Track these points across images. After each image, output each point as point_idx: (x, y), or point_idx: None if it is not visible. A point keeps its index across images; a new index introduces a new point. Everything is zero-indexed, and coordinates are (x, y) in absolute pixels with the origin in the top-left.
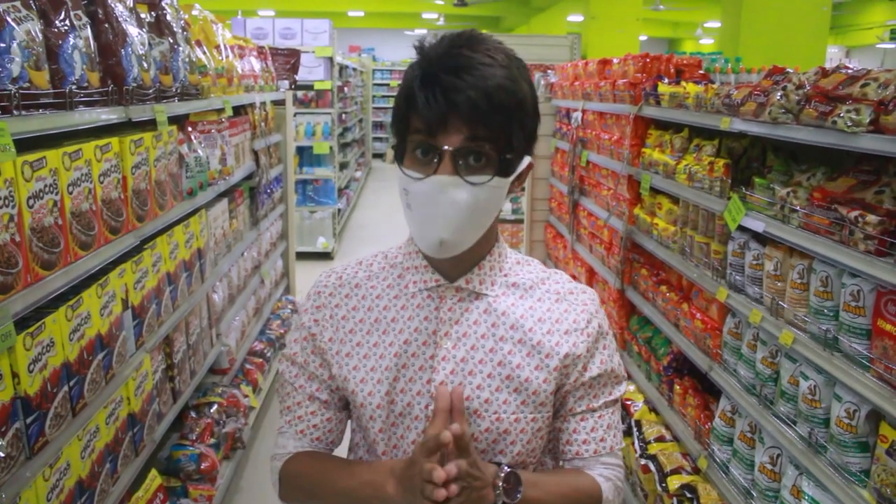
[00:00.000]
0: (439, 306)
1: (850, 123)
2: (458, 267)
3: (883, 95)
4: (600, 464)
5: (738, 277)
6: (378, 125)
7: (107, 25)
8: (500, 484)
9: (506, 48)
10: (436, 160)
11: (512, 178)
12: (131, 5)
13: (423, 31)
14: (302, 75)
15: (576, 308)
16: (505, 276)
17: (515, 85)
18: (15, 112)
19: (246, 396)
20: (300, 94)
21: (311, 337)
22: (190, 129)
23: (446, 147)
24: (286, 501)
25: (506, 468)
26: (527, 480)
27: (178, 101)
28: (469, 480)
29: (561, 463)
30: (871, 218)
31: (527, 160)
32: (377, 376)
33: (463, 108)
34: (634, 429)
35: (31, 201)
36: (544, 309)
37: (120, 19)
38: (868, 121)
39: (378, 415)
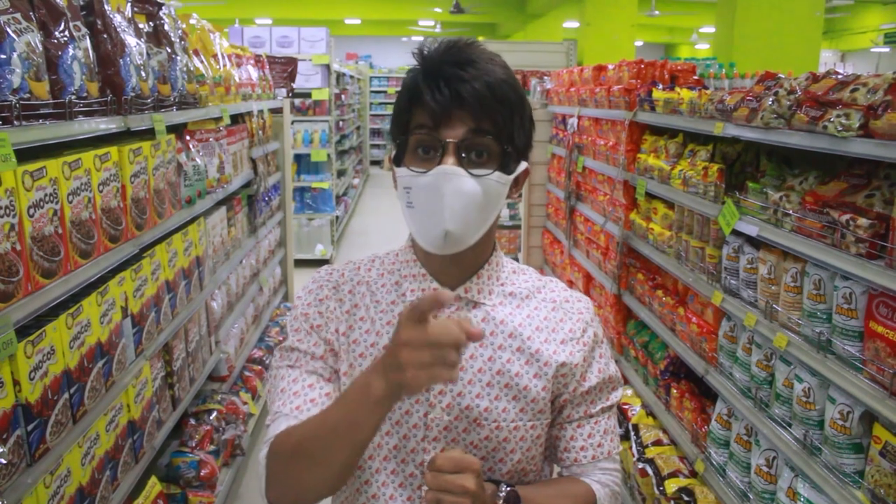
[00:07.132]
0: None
1: (840, 128)
2: (457, 275)
3: (872, 100)
4: (598, 469)
5: (732, 281)
6: (375, 132)
7: (105, 36)
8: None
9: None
10: (439, 154)
11: (512, 176)
12: (129, 16)
13: (420, 39)
14: (299, 83)
15: (572, 317)
16: (502, 285)
17: (516, 83)
18: (15, 122)
19: (245, 403)
20: (298, 101)
21: (317, 328)
22: (188, 137)
23: (450, 140)
24: (272, 495)
25: (505, 487)
26: (525, 497)
27: (176, 109)
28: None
29: (559, 470)
30: (863, 221)
31: (524, 165)
32: None
33: (468, 99)
34: (632, 432)
35: (32, 210)
36: (541, 317)
37: (118, 30)
38: (858, 125)
39: None
